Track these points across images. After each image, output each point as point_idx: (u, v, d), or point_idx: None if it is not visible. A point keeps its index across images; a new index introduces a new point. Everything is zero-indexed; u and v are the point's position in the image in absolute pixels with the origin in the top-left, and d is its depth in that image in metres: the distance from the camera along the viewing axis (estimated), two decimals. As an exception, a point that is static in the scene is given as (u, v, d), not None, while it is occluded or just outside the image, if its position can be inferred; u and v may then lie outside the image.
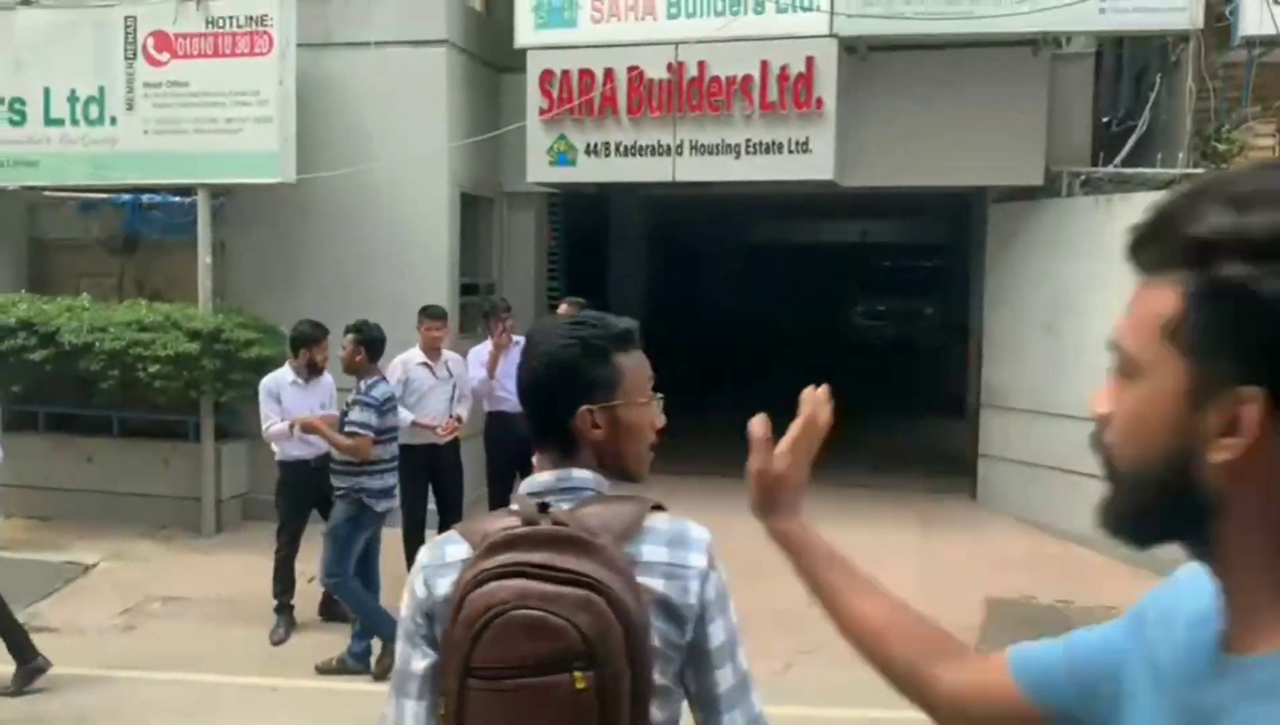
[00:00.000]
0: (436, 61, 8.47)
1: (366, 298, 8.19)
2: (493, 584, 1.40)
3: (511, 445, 6.92)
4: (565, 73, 8.26)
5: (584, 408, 1.57)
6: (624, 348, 1.63)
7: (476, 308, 9.03)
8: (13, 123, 8.61)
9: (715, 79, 8.05)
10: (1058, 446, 7.64)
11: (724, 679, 1.52)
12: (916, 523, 8.58)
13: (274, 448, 6.63)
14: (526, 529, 1.45)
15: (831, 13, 7.76)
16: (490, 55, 9.07)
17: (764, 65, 7.93)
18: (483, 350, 7.23)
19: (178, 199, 8.95)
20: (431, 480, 6.98)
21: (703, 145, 8.14)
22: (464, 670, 1.40)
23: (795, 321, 21.05)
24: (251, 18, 8.08)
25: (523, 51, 8.42)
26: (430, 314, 6.95)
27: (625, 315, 1.73)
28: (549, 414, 1.60)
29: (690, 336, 16.68)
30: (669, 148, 8.18)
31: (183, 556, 8.13)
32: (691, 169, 8.18)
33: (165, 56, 8.28)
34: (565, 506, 1.52)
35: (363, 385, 5.98)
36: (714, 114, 8.07)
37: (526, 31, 8.40)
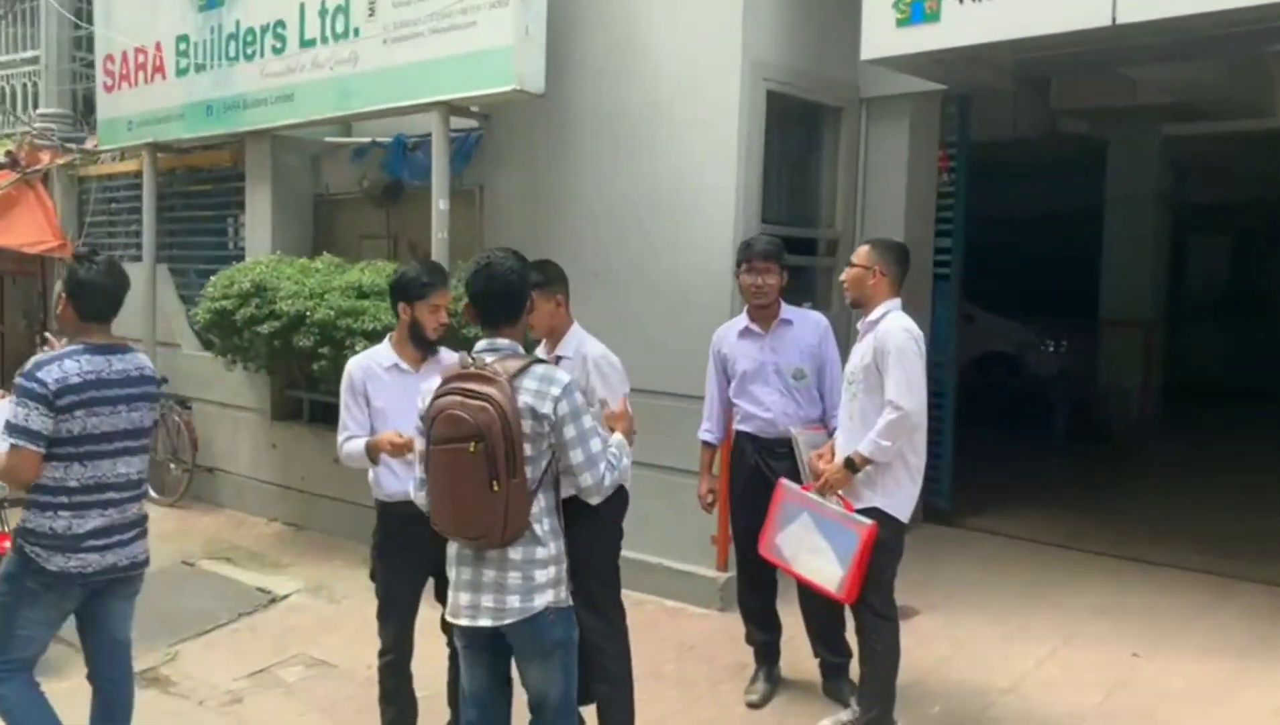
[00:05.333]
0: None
1: (636, 253, 5.80)
2: (442, 398, 2.87)
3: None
4: None
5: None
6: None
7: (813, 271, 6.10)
8: (275, 51, 7.24)
9: None
10: None
11: (576, 457, 2.92)
12: None
13: None
14: (462, 370, 2.90)
15: None
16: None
17: None
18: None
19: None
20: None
21: (1173, -45, 4.31)
22: (427, 442, 2.93)
23: None
24: None
25: None
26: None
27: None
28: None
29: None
30: (1106, -31, 4.46)
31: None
32: (1145, 2, 4.39)
33: (405, -61, 6.33)
34: (489, 358, 2.92)
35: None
36: (1197, -112, 4.23)
37: None
